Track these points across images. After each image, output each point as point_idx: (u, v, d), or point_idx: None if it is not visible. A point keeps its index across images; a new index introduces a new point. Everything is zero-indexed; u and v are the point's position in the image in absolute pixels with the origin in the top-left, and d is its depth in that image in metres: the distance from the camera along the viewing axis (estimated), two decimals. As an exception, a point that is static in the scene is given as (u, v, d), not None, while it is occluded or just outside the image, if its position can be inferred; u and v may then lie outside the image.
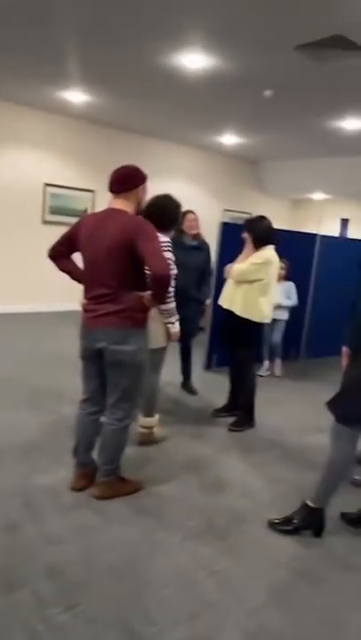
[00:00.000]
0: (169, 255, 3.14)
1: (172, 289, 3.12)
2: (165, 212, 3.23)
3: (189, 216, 4.49)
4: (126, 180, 2.59)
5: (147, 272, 2.52)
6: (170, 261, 3.12)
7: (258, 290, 3.80)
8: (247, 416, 4.02)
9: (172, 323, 3.29)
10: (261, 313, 3.84)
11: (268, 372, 5.64)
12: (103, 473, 2.74)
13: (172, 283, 3.05)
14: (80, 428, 2.82)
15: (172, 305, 3.24)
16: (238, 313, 3.82)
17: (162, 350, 3.37)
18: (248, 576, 2.24)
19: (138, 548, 2.36)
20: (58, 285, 7.44)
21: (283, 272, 5.27)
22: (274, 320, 5.28)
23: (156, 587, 2.12)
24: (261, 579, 2.23)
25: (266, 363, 5.68)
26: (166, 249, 3.13)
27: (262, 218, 3.93)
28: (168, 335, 3.33)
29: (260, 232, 3.82)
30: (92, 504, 2.68)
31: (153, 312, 3.05)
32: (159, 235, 2.98)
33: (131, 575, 2.17)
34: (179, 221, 3.58)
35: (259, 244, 3.81)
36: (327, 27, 3.92)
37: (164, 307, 3.17)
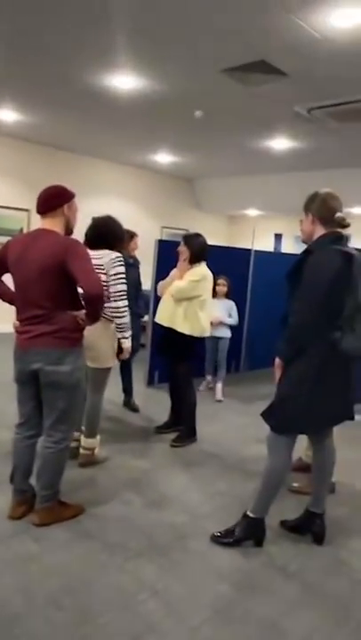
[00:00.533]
0: (122, 270, 3.21)
1: (126, 302, 3.21)
2: (112, 232, 3.33)
3: (136, 238, 4.69)
4: (52, 199, 2.58)
5: (80, 291, 2.51)
6: (121, 277, 3.20)
7: (198, 305, 3.88)
8: (189, 431, 4.04)
9: (127, 337, 3.30)
10: (202, 328, 3.93)
11: (209, 387, 5.63)
12: (42, 499, 2.65)
13: (125, 300, 3.20)
14: (17, 453, 2.73)
15: (128, 319, 3.26)
16: (181, 330, 3.87)
17: (107, 370, 3.36)
18: (191, 593, 2.24)
19: (78, 573, 2.31)
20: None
21: (224, 289, 5.35)
22: (217, 338, 5.36)
23: (97, 612, 2.07)
24: (204, 594, 2.23)
25: (208, 378, 5.67)
26: (119, 264, 3.20)
27: (198, 235, 4.02)
28: (119, 351, 3.33)
29: (197, 249, 3.91)
30: (30, 531, 2.59)
31: (100, 331, 3.15)
32: (111, 252, 3.22)
33: (71, 603, 2.11)
34: (124, 240, 3.64)
35: (194, 259, 3.89)
36: (252, 52, 4.10)
37: (119, 321, 3.21)
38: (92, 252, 3.10)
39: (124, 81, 4.99)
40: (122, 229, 3.46)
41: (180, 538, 2.66)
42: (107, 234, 3.31)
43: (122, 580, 2.29)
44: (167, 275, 4.09)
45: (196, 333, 3.90)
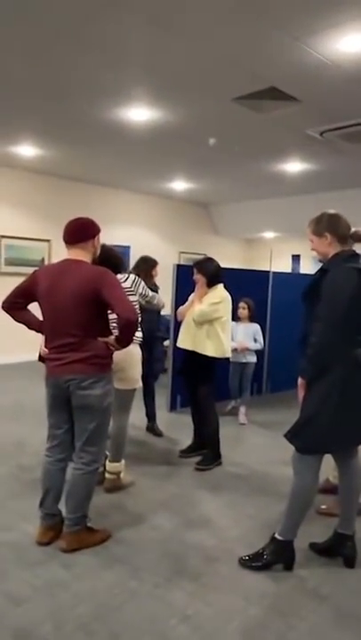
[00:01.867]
0: (134, 298, 3.36)
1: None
2: (113, 260, 3.32)
3: (157, 266, 4.72)
4: (84, 230, 2.65)
5: (111, 318, 2.61)
6: (145, 294, 3.49)
7: (219, 327, 3.94)
8: (213, 454, 4.02)
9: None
10: (224, 349, 3.98)
11: (231, 411, 5.51)
12: (70, 522, 2.66)
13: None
14: (48, 476, 2.74)
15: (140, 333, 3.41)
16: (204, 352, 3.91)
17: (133, 391, 3.44)
18: (221, 617, 2.21)
19: (108, 599, 2.30)
20: (10, 337, 7.37)
21: (245, 312, 5.28)
22: (243, 364, 5.32)
23: (127, 638, 2.06)
24: (234, 619, 2.20)
25: (233, 402, 5.58)
26: (140, 283, 3.48)
27: (208, 259, 4.11)
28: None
29: (212, 272, 3.99)
30: (59, 558, 2.60)
31: (127, 353, 3.14)
32: (127, 274, 3.43)
33: (102, 629, 2.11)
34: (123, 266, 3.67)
35: (211, 283, 3.96)
36: (262, 80, 4.21)
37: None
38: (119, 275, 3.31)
39: (139, 113, 5.14)
40: (118, 255, 3.42)
41: (209, 562, 2.64)
42: (109, 261, 3.25)
43: (152, 605, 2.27)
44: (186, 299, 4.15)
45: (219, 354, 3.95)
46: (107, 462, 3.43)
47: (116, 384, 3.26)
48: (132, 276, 3.51)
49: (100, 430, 2.66)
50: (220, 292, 3.97)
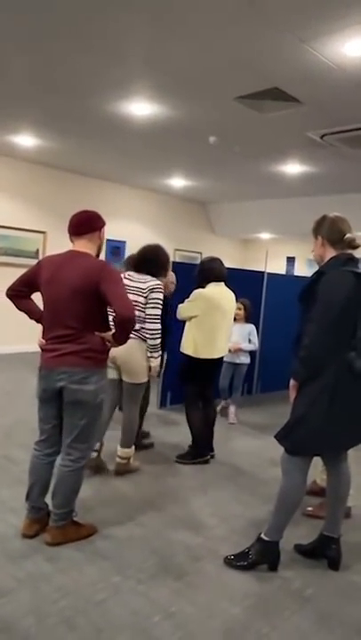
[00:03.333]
0: (160, 296, 3.47)
1: (159, 326, 3.46)
2: (157, 260, 3.63)
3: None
4: (89, 222, 2.65)
5: (110, 314, 2.58)
6: (159, 302, 3.47)
7: (194, 325, 3.91)
8: (194, 451, 4.03)
9: (155, 357, 3.51)
10: (198, 348, 3.89)
11: (221, 411, 5.36)
12: (56, 517, 2.63)
13: (159, 323, 3.46)
14: (35, 470, 2.72)
15: (159, 341, 3.49)
16: (181, 349, 3.95)
17: (142, 385, 3.57)
18: (204, 616, 2.21)
19: (91, 594, 2.29)
20: (5, 327, 7.32)
21: (240, 312, 5.17)
22: (235, 364, 5.29)
23: (109, 634, 2.05)
24: (217, 618, 2.20)
25: (222, 402, 5.49)
26: (158, 290, 3.47)
27: (204, 260, 4.12)
28: (149, 369, 3.52)
29: (197, 275, 4.01)
30: (43, 551, 2.59)
31: (136, 349, 3.40)
32: (153, 278, 3.50)
33: (84, 623, 2.10)
34: (167, 269, 3.86)
35: (199, 284, 3.98)
36: (264, 80, 4.20)
37: (151, 342, 3.45)
38: (136, 276, 3.49)
39: (140, 108, 5.12)
40: (166, 259, 3.72)
41: (194, 560, 2.63)
42: (151, 261, 3.60)
43: (135, 601, 2.27)
44: (181, 297, 4.14)
45: (190, 352, 3.89)
46: (118, 448, 3.59)
47: (124, 377, 3.52)
48: (155, 282, 3.49)
49: (91, 427, 2.63)
50: (198, 290, 3.93)
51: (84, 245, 2.63)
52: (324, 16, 3.17)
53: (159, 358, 3.55)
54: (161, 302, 3.48)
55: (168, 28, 3.47)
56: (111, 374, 3.44)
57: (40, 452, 2.72)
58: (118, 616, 2.16)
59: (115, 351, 3.20)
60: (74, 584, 2.35)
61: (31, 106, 5.39)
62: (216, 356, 3.97)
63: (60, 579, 2.38)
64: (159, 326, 3.47)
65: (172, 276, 4.52)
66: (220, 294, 3.95)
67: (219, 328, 3.94)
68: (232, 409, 5.39)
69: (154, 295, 3.44)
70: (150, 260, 3.60)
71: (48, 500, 2.73)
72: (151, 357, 3.49)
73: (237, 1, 3.07)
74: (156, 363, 3.52)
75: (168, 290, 4.30)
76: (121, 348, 2.85)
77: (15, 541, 2.66)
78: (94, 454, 3.48)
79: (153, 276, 3.54)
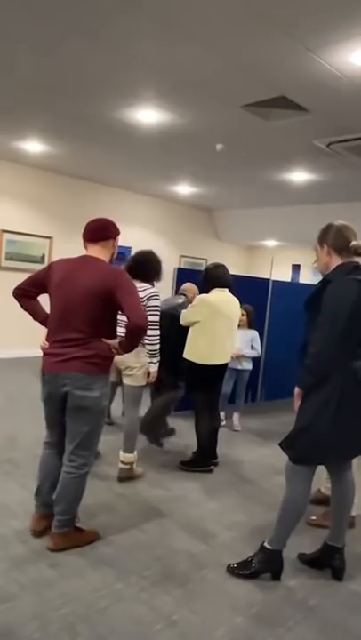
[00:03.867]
0: (157, 303, 3.58)
1: (158, 332, 3.56)
2: (149, 267, 3.71)
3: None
4: (105, 230, 2.71)
5: (120, 321, 2.63)
6: (156, 309, 3.56)
7: (197, 331, 3.91)
8: (200, 459, 4.01)
9: (154, 363, 3.60)
10: (201, 354, 3.88)
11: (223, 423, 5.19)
12: (59, 524, 2.63)
13: (157, 330, 3.56)
14: (44, 466, 2.76)
15: (158, 347, 3.58)
16: (185, 355, 3.94)
17: (142, 387, 3.64)
18: (207, 625, 2.20)
19: (94, 601, 2.29)
20: (9, 332, 7.34)
21: (244, 319, 5.11)
22: (238, 370, 5.23)
23: (112, 641, 2.05)
24: (220, 627, 2.19)
25: (222, 414, 5.20)
26: (155, 297, 3.56)
27: (208, 266, 4.15)
28: (147, 374, 3.60)
29: (203, 278, 4.04)
30: (46, 556, 2.59)
31: (135, 352, 3.33)
32: (150, 286, 3.61)
33: (86, 631, 2.09)
34: (160, 275, 3.85)
35: (203, 290, 4.01)
36: (272, 88, 4.22)
37: (151, 347, 3.54)
38: (136, 284, 3.43)
39: (147, 114, 5.15)
40: (158, 264, 3.78)
41: (197, 568, 2.62)
42: (144, 267, 3.69)
43: (138, 609, 2.26)
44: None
45: (193, 358, 3.89)
46: (120, 453, 3.61)
47: (125, 380, 3.61)
48: (152, 290, 3.61)
49: (94, 434, 2.63)
50: (202, 296, 3.95)
51: (98, 252, 2.65)
52: (330, 25, 3.18)
53: (157, 364, 3.61)
54: (159, 309, 3.60)
55: (176, 35, 3.49)
56: (111, 377, 3.48)
57: (49, 450, 2.76)
58: (121, 623, 2.15)
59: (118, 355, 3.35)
60: (77, 590, 2.35)
61: (39, 112, 5.43)
62: (219, 362, 3.94)
63: (63, 585, 2.38)
64: (158, 332, 3.56)
65: (194, 290, 4.66)
66: (223, 300, 3.94)
67: (222, 334, 3.93)
68: (236, 415, 5.36)
69: (152, 303, 3.54)
70: (144, 266, 3.69)
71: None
72: (150, 362, 3.56)
73: (245, 9, 3.09)
74: (154, 368, 3.59)
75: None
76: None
77: (19, 547, 2.66)
78: None
79: (146, 280, 3.64)
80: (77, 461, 2.61)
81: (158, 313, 3.58)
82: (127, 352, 2.66)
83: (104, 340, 2.57)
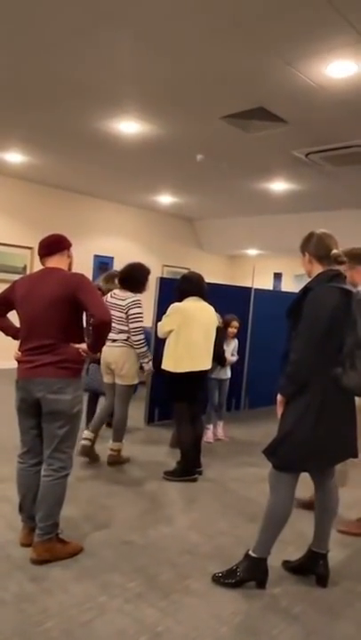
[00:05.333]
0: (138, 310, 3.97)
1: (142, 337, 3.97)
2: (132, 277, 4.10)
3: None
4: (59, 242, 2.84)
5: (90, 321, 2.72)
6: (138, 316, 3.96)
7: (172, 340, 3.92)
8: (182, 468, 4.00)
9: (146, 362, 4.08)
10: (176, 362, 3.87)
11: (212, 439, 5.15)
12: (41, 531, 2.61)
13: (141, 335, 3.96)
14: (24, 480, 2.76)
15: (145, 349, 4.03)
16: (163, 366, 3.94)
17: (131, 387, 4.14)
18: (191, 635, 2.18)
19: (77, 614, 2.25)
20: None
21: (234, 331, 5.14)
22: (220, 380, 5.19)
23: (95, 655, 2.02)
24: (205, 637, 2.17)
25: (210, 427, 5.15)
26: (136, 305, 3.98)
27: (183, 275, 4.21)
28: (142, 370, 4.14)
29: (176, 287, 4.06)
30: (27, 570, 2.54)
31: (126, 355, 3.99)
32: (132, 294, 4.02)
33: (69, 645, 2.06)
34: (144, 284, 4.21)
35: (178, 299, 4.01)
36: (250, 100, 4.28)
37: (139, 350, 4.01)
38: (119, 293, 4.08)
39: (128, 126, 5.18)
40: (141, 275, 4.13)
41: (181, 578, 2.60)
42: (128, 278, 4.09)
43: (122, 621, 2.23)
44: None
45: (169, 367, 3.89)
46: (110, 442, 4.17)
47: (116, 380, 4.11)
48: (134, 298, 4.02)
49: (70, 436, 2.67)
50: (174, 305, 3.95)
51: (56, 262, 2.78)
52: (307, 38, 3.25)
53: (150, 363, 4.08)
54: (141, 315, 3.96)
55: (156, 47, 3.53)
56: (108, 379, 4.18)
57: (24, 463, 2.76)
58: (105, 637, 2.12)
59: (110, 357, 4.04)
60: (59, 605, 2.31)
61: (19, 123, 5.43)
62: (197, 368, 3.92)
63: (45, 599, 2.34)
64: (142, 337, 3.97)
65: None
66: (197, 308, 3.94)
67: (198, 341, 3.92)
68: (220, 424, 5.35)
69: (133, 310, 3.95)
70: (127, 277, 4.10)
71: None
72: (143, 363, 4.05)
73: (224, 23, 3.14)
74: (149, 366, 4.10)
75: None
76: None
77: (-1, 561, 2.61)
78: (88, 443, 4.10)
79: (133, 290, 4.04)
80: (55, 465, 2.63)
81: (140, 319, 3.96)
82: (96, 352, 2.80)
83: (72, 344, 2.65)
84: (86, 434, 4.12)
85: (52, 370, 2.59)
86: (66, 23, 3.30)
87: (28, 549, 2.67)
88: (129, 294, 3.99)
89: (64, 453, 2.66)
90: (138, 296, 4.05)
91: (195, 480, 3.97)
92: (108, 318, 2.61)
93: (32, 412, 2.66)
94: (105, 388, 4.26)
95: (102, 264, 9.31)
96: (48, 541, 2.63)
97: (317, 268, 2.56)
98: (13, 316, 2.79)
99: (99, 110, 4.82)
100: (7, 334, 2.91)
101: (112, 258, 9.49)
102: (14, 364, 2.73)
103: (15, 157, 6.86)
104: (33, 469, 2.73)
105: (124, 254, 9.24)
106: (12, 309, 2.79)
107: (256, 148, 5.56)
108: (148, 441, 4.88)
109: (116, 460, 4.15)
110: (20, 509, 2.77)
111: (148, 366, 4.08)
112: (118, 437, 4.16)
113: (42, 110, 4.95)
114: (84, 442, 4.07)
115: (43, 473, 2.65)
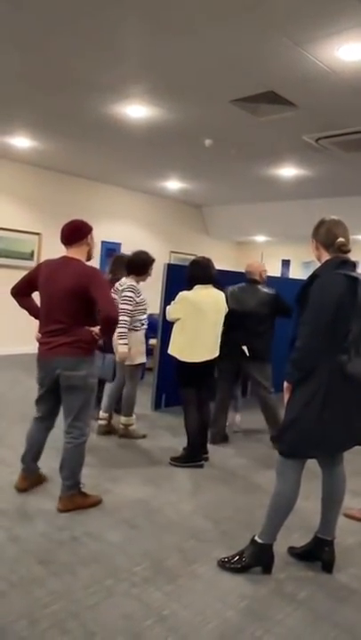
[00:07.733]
0: (129, 294, 4.18)
1: (125, 317, 4.11)
2: (130, 262, 4.38)
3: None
4: (76, 232, 3.04)
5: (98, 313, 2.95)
6: (126, 298, 4.16)
7: (178, 328, 3.92)
8: (188, 454, 4.01)
9: (120, 344, 4.14)
10: (181, 350, 3.88)
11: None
12: (65, 488, 3.03)
13: (124, 315, 4.10)
14: (30, 438, 3.21)
15: (124, 330, 4.11)
16: (169, 351, 3.97)
17: (138, 366, 4.45)
18: (197, 619, 2.20)
19: (84, 597, 2.28)
20: (0, 330, 7.29)
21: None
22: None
23: (102, 638, 2.04)
24: (211, 621, 2.20)
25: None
26: (127, 289, 4.19)
27: (191, 261, 4.11)
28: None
29: (186, 274, 4.01)
30: (35, 554, 2.58)
31: (129, 337, 4.19)
32: (127, 280, 4.27)
33: (76, 628, 2.08)
34: (140, 270, 4.39)
35: (189, 285, 3.96)
36: (260, 83, 4.21)
37: (118, 330, 3.90)
38: (122, 280, 4.34)
39: (136, 110, 5.12)
40: (142, 261, 4.35)
41: (187, 563, 2.63)
42: (131, 264, 4.36)
43: (128, 605, 2.26)
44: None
45: (175, 354, 3.91)
46: (121, 417, 4.51)
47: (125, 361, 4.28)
48: (128, 284, 4.23)
49: (85, 407, 3.03)
50: (183, 292, 3.93)
51: (74, 252, 3.03)
52: (318, 20, 3.18)
53: (125, 345, 4.14)
54: (130, 298, 4.17)
55: (164, 30, 3.47)
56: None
57: (37, 424, 3.20)
58: (111, 620, 2.15)
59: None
60: (66, 588, 2.34)
61: (27, 107, 5.39)
62: (200, 359, 3.88)
63: (52, 582, 2.37)
64: (127, 318, 4.14)
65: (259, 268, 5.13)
66: (204, 296, 3.90)
67: (205, 331, 3.89)
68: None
69: (124, 293, 4.19)
70: (133, 263, 4.36)
71: (40, 463, 3.29)
72: (118, 345, 4.11)
73: (234, 5, 3.08)
74: (121, 349, 4.11)
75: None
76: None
77: (7, 545, 2.64)
78: (104, 422, 4.50)
79: (138, 275, 4.33)
80: (75, 432, 3.01)
81: (129, 302, 4.16)
82: (107, 337, 3.12)
83: (87, 327, 2.96)
84: (101, 414, 4.50)
85: (68, 349, 2.92)
86: (71, 5, 3.24)
87: (38, 536, 2.73)
88: (128, 280, 4.27)
89: (81, 422, 3.02)
90: (136, 283, 4.27)
91: (201, 466, 3.99)
92: (114, 315, 2.88)
93: (51, 386, 3.03)
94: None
95: (110, 250, 9.28)
96: (72, 496, 3.04)
97: (325, 256, 2.53)
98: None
99: (106, 95, 4.76)
100: (31, 314, 3.20)
101: (120, 244, 9.46)
102: (27, 350, 2.97)
103: (22, 142, 6.82)
104: (43, 428, 3.20)
105: (131, 240, 9.21)
106: (35, 290, 3.09)
107: (266, 133, 5.48)
108: (154, 427, 4.90)
109: (127, 434, 4.46)
110: (22, 459, 3.22)
111: (121, 349, 4.11)
112: (128, 412, 4.49)
113: (49, 95, 4.90)
114: (100, 422, 4.49)
115: (65, 440, 3.03)
